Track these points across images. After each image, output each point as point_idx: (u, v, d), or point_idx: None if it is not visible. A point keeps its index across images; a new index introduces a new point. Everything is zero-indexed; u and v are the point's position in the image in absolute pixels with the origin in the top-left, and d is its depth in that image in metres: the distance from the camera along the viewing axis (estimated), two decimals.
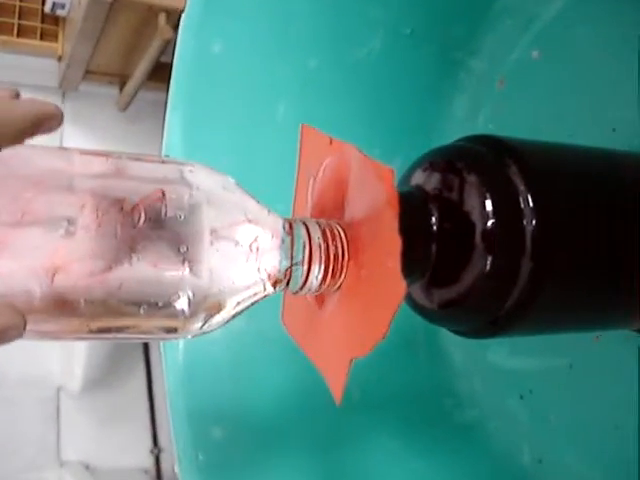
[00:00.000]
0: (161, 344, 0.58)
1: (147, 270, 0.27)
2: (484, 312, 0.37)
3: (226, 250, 0.29)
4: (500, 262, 0.35)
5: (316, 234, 0.32)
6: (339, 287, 0.33)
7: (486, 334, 0.38)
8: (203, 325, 0.29)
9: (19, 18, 2.10)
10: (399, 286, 0.27)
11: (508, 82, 0.58)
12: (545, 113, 0.55)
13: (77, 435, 2.01)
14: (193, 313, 0.28)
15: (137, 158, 0.29)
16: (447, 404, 0.59)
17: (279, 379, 0.57)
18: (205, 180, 0.29)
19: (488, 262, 0.35)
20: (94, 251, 0.26)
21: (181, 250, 0.28)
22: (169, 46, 1.80)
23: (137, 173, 0.28)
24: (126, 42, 2.00)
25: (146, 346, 2.13)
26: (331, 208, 0.35)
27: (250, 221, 0.30)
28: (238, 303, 0.30)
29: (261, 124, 0.59)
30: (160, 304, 0.28)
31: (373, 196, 0.30)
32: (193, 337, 0.31)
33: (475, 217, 0.35)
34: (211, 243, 0.28)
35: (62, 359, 2.01)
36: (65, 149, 0.28)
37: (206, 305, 0.28)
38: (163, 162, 0.30)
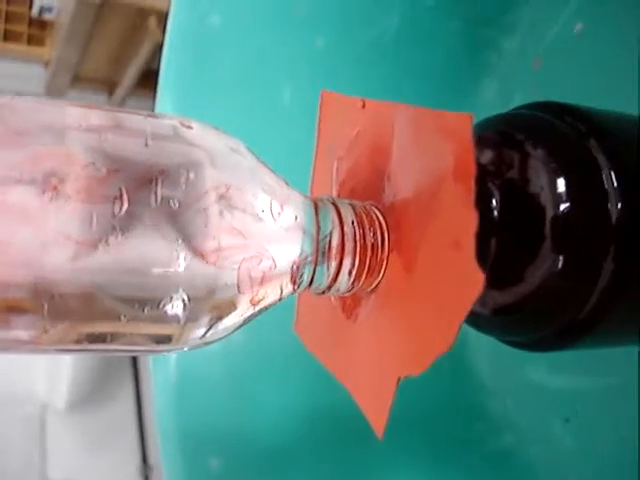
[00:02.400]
0: (150, 361, 0.51)
1: (135, 251, 0.20)
2: (552, 320, 0.30)
3: (242, 224, 0.21)
4: (577, 257, 0.28)
5: (349, 218, 0.25)
6: (376, 287, 0.26)
7: (551, 346, 0.31)
8: (206, 332, 0.22)
9: (6, 22, 2.04)
10: (474, 280, 0.20)
11: (546, 61, 0.51)
12: (589, 95, 0.48)
13: (63, 454, 1.95)
14: (194, 314, 0.21)
15: (126, 111, 0.22)
16: (478, 428, 0.52)
17: (284, 400, 0.50)
18: (207, 138, 0.22)
19: (561, 257, 0.28)
20: (83, 219, 0.19)
21: (179, 224, 0.20)
22: (159, 51, 1.74)
23: (130, 125, 0.21)
24: (115, 46, 1.94)
25: (135, 361, 2.07)
26: (364, 188, 0.27)
27: (267, 193, 0.23)
28: (252, 303, 0.23)
29: (264, 109, 0.52)
30: (149, 303, 0.20)
31: (433, 163, 0.22)
32: (190, 349, 0.23)
33: (544, 200, 0.28)
34: (220, 213, 0.21)
35: (47, 375, 1.95)
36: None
37: (213, 302, 0.21)
38: (148, 116, 0.22)
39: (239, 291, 0.22)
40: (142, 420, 2.07)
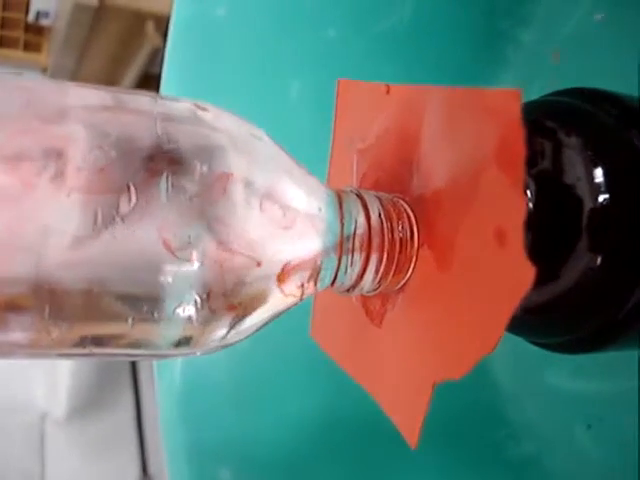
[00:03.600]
0: (154, 369, 0.49)
1: (147, 236, 0.18)
2: (588, 321, 0.28)
3: (271, 213, 0.19)
4: (616, 253, 0.26)
5: (376, 210, 0.23)
6: (404, 285, 0.24)
7: (584, 349, 0.29)
8: (228, 332, 0.20)
9: (1, 28, 2.02)
10: (523, 274, 0.18)
11: (565, 54, 0.49)
12: (611, 88, 0.46)
13: (63, 463, 1.93)
14: (217, 312, 0.19)
15: (137, 93, 0.20)
16: (499, 435, 0.50)
17: (295, 406, 0.48)
18: (226, 123, 0.20)
19: (599, 253, 0.26)
20: (85, 202, 0.17)
21: (196, 214, 0.18)
22: (158, 55, 1.73)
23: (137, 107, 0.19)
24: (113, 51, 1.92)
25: (134, 368, 2.05)
26: (390, 180, 0.25)
27: (292, 182, 0.21)
28: (283, 296, 0.21)
29: (272, 103, 0.50)
30: (160, 303, 0.18)
31: (472, 146, 0.20)
32: (204, 353, 0.21)
33: (581, 191, 0.26)
34: (247, 201, 0.19)
35: (46, 384, 1.93)
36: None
37: (242, 296, 0.19)
38: (160, 98, 0.21)
39: (268, 284, 0.20)
40: (142, 429, 2.05)
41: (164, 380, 0.48)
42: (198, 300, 0.18)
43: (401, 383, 0.23)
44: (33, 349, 0.19)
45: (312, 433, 0.47)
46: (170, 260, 0.19)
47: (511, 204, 0.18)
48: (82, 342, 0.20)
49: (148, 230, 0.18)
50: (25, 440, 1.91)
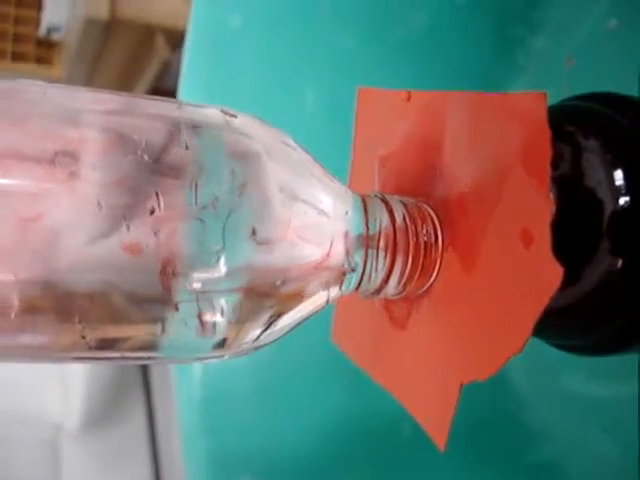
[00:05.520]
0: (174, 374, 0.49)
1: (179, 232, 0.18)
2: (609, 323, 0.28)
3: (307, 216, 0.20)
4: (638, 255, 0.26)
5: (400, 214, 0.24)
6: (428, 288, 0.24)
7: (605, 351, 0.29)
8: (262, 332, 0.20)
9: (13, 43, 2.03)
10: (551, 273, 0.18)
11: (578, 60, 0.49)
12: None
13: (77, 476, 1.92)
14: (253, 312, 0.19)
15: (156, 99, 0.20)
16: (517, 439, 0.50)
17: (317, 412, 0.48)
18: (258, 130, 0.21)
19: (621, 255, 0.26)
20: (97, 201, 0.18)
21: (233, 214, 0.19)
22: (167, 69, 1.73)
23: (158, 112, 0.20)
24: (123, 65, 1.93)
25: (146, 377, 2.05)
26: (412, 185, 0.26)
27: (321, 187, 0.21)
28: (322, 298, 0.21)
29: (287, 112, 0.50)
30: (201, 294, 0.18)
31: (496, 149, 0.21)
32: (233, 356, 0.22)
33: (602, 194, 0.26)
34: (283, 204, 0.19)
35: (60, 396, 1.93)
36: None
37: (279, 296, 0.19)
38: (185, 104, 0.21)
39: (302, 284, 0.20)
40: (155, 440, 2.04)
41: (183, 389, 0.49)
42: (237, 299, 0.19)
43: (427, 385, 0.24)
44: (52, 351, 0.20)
45: (333, 439, 0.47)
46: (201, 265, 0.19)
47: (537, 205, 0.18)
48: (110, 345, 0.20)
49: (181, 234, 0.18)
50: (39, 452, 1.91)
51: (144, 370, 1.97)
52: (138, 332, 0.20)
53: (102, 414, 1.96)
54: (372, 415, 0.46)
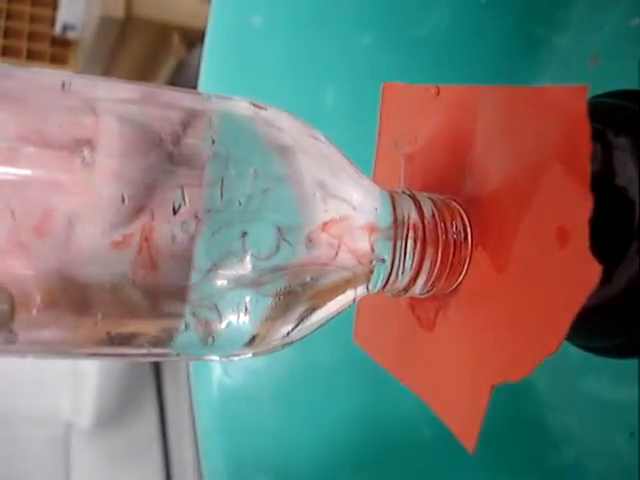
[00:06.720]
0: (192, 376, 0.49)
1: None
2: (635, 325, 0.27)
3: (340, 212, 0.19)
4: None
5: (429, 211, 0.23)
6: (457, 287, 0.24)
7: (633, 353, 0.29)
8: (294, 328, 0.20)
9: (28, 41, 2.03)
10: (588, 272, 0.18)
11: (602, 59, 0.48)
12: None
13: (88, 474, 1.93)
14: (286, 308, 0.19)
15: (182, 90, 0.20)
16: (537, 444, 0.49)
17: (336, 414, 0.47)
18: (288, 124, 0.20)
19: None
20: (116, 190, 0.17)
21: (268, 208, 0.18)
22: (183, 69, 1.73)
23: (183, 103, 0.19)
24: (139, 64, 1.93)
25: (158, 377, 2.05)
26: (440, 181, 0.25)
27: (352, 182, 0.21)
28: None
29: (307, 111, 0.49)
30: (232, 293, 0.18)
31: (531, 145, 0.20)
32: (255, 355, 0.21)
33: (633, 193, 0.26)
34: (323, 200, 0.19)
35: (72, 395, 1.93)
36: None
37: (313, 291, 0.19)
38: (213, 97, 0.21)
39: (337, 277, 0.20)
40: (166, 440, 2.04)
41: (201, 390, 0.48)
42: (266, 296, 0.18)
43: (456, 387, 0.23)
44: (66, 346, 0.19)
45: (351, 441, 0.46)
46: (228, 261, 0.18)
47: (576, 203, 0.18)
48: (129, 340, 0.19)
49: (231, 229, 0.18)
50: (50, 451, 1.91)
51: (156, 370, 1.97)
52: (159, 327, 0.19)
53: (114, 413, 1.96)
54: (391, 417, 0.45)
